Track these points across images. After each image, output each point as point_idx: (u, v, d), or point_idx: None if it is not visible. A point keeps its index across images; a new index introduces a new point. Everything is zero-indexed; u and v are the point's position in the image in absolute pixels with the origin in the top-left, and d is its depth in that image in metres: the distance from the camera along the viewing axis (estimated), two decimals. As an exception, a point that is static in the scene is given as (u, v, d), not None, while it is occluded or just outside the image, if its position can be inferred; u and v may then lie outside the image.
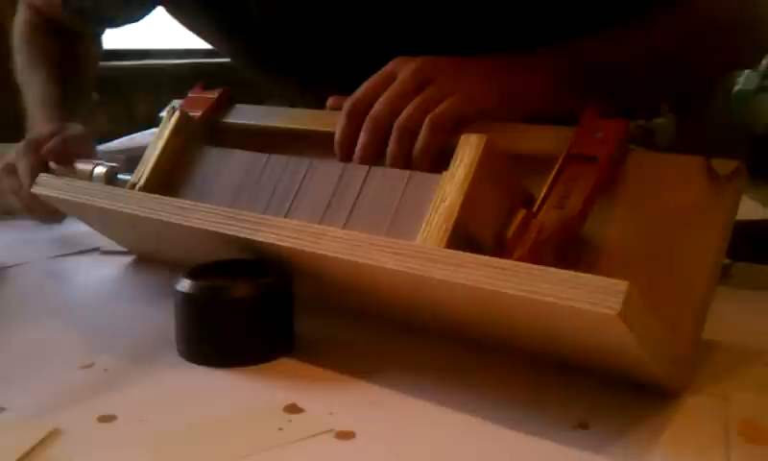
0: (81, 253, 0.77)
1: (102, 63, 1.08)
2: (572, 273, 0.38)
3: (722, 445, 0.39)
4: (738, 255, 0.65)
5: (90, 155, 0.78)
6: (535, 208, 0.49)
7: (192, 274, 0.51)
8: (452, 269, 0.41)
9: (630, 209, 0.50)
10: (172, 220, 0.55)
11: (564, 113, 0.57)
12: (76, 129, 0.81)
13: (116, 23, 0.99)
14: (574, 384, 0.46)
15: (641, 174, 0.50)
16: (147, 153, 0.67)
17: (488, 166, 0.48)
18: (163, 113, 0.70)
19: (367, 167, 0.56)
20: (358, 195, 0.54)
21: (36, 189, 0.67)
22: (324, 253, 0.46)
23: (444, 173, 0.49)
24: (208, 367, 0.49)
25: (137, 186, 0.65)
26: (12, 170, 0.79)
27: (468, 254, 0.42)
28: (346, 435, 0.40)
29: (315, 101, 0.68)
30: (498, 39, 0.63)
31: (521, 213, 0.48)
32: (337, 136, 0.59)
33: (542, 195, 0.49)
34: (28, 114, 0.89)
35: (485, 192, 0.48)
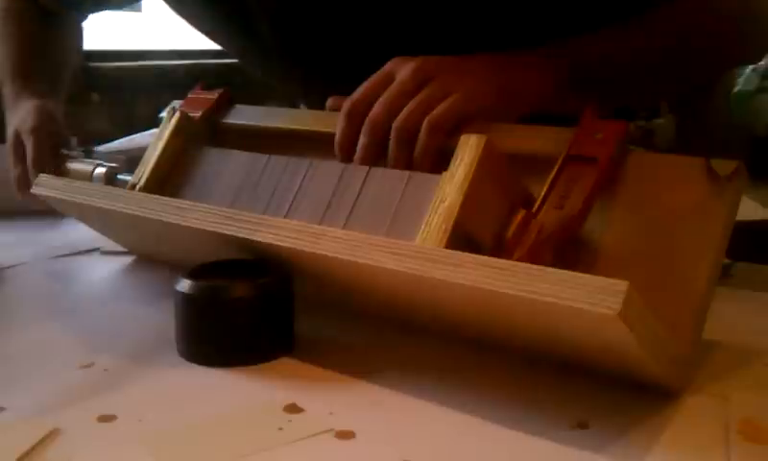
0: (81, 253, 0.77)
1: (102, 64, 1.08)
2: (572, 273, 0.38)
3: (722, 444, 0.39)
4: (738, 255, 0.65)
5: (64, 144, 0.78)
6: (534, 209, 0.49)
7: (192, 274, 0.51)
8: (451, 269, 0.41)
9: (630, 210, 0.50)
10: (171, 220, 0.55)
11: (564, 112, 0.57)
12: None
13: (97, 8, 0.98)
14: (574, 384, 0.46)
15: (641, 174, 0.50)
16: (147, 153, 0.67)
17: (487, 167, 0.48)
18: (163, 114, 0.70)
19: (367, 168, 0.56)
20: (358, 195, 0.55)
21: (35, 189, 0.67)
22: (323, 253, 0.47)
23: (444, 173, 0.49)
24: (208, 367, 0.49)
25: (137, 187, 0.65)
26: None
27: (467, 254, 0.42)
28: (346, 435, 0.40)
29: (318, 100, 0.67)
30: (498, 37, 0.63)
31: (521, 214, 0.48)
32: (337, 138, 0.59)
33: (542, 195, 0.49)
34: (5, 92, 0.88)
35: (484, 192, 0.48)
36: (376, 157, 0.57)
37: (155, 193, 0.61)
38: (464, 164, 0.48)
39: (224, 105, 0.71)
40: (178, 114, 0.67)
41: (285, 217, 0.57)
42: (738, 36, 0.69)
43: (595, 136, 0.50)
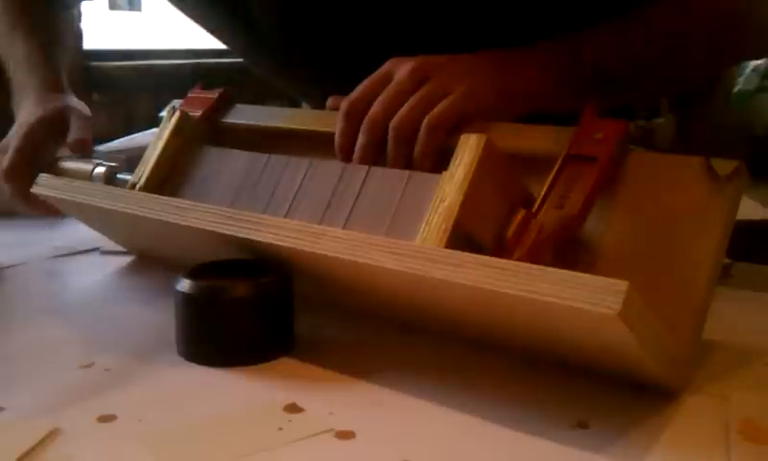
0: (81, 253, 0.77)
1: (102, 64, 1.07)
2: (572, 273, 0.38)
3: (722, 444, 0.39)
4: (738, 255, 0.65)
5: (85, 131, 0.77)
6: (534, 208, 0.49)
7: (192, 274, 0.51)
8: (451, 269, 0.41)
9: (630, 209, 0.50)
10: (171, 220, 0.55)
11: (564, 110, 0.57)
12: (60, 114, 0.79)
13: None
14: (574, 384, 0.46)
15: (641, 174, 0.50)
16: (147, 153, 0.67)
17: (487, 166, 0.48)
18: (163, 113, 0.70)
19: (366, 167, 0.56)
20: (358, 195, 0.54)
21: (35, 189, 0.67)
22: (323, 253, 0.47)
23: (444, 173, 0.49)
24: (208, 367, 0.49)
25: (137, 186, 0.65)
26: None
27: (467, 253, 0.42)
28: (346, 435, 0.40)
29: (321, 100, 0.67)
30: (499, 34, 0.62)
31: (521, 213, 0.48)
32: (336, 138, 0.59)
33: (542, 195, 0.49)
34: (13, 82, 0.87)
35: (484, 192, 0.48)
36: (375, 156, 0.57)
37: (154, 193, 0.61)
38: (464, 164, 0.48)
39: (224, 104, 0.71)
40: (178, 114, 0.67)
41: (285, 217, 0.57)
42: (739, 33, 0.69)
43: (595, 136, 0.50)
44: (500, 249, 0.47)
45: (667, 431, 0.41)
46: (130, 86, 1.98)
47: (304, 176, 0.58)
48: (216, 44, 0.91)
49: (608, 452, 0.39)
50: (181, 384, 0.47)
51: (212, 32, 0.86)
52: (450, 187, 0.48)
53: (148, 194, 0.61)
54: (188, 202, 0.55)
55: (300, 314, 0.52)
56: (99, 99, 1.90)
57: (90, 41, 1.88)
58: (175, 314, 0.50)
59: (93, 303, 0.63)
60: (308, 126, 0.65)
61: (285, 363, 0.50)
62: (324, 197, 0.56)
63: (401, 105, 0.57)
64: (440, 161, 0.53)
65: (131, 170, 0.68)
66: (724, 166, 0.47)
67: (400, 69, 0.59)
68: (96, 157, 0.76)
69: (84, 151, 0.76)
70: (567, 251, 0.48)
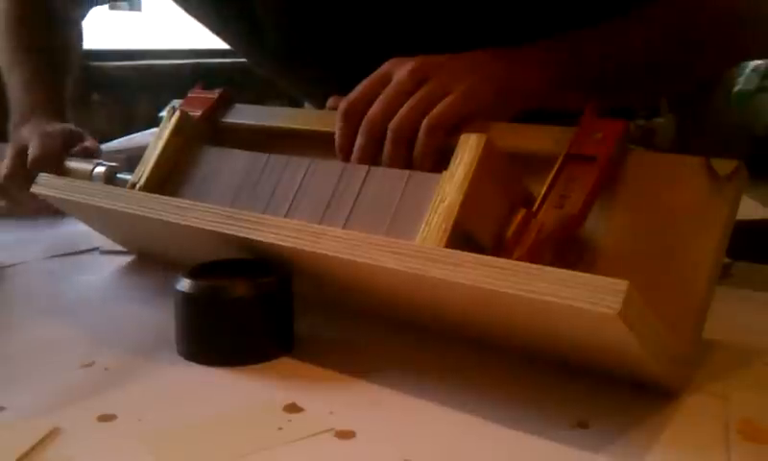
0: (81, 253, 0.77)
1: (102, 64, 1.08)
2: (571, 272, 0.38)
3: (722, 444, 0.39)
4: (738, 255, 0.65)
5: (88, 150, 0.78)
6: (534, 208, 0.49)
7: (192, 274, 0.51)
8: (451, 268, 0.41)
9: (630, 209, 0.50)
10: (171, 220, 0.55)
11: (564, 108, 0.57)
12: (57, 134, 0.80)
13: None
14: (574, 384, 0.46)
15: (641, 174, 0.50)
16: (147, 152, 0.67)
17: (487, 166, 0.48)
18: (163, 113, 0.70)
19: (367, 167, 0.56)
20: (358, 195, 0.55)
21: (36, 189, 0.67)
22: (323, 252, 0.47)
23: (444, 173, 0.49)
24: (208, 366, 0.49)
25: (137, 186, 0.65)
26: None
27: (466, 253, 0.42)
28: (346, 435, 0.40)
29: (323, 100, 0.67)
30: (499, 32, 0.62)
31: (521, 213, 0.48)
32: (336, 139, 0.59)
33: (542, 195, 0.49)
34: (12, 103, 0.88)
35: (484, 192, 0.48)
36: (374, 156, 0.57)
37: (155, 192, 0.61)
38: (463, 163, 0.48)
39: (224, 104, 0.71)
40: (178, 113, 0.67)
41: (285, 216, 0.57)
42: (739, 32, 0.69)
43: (595, 136, 0.50)
44: (500, 248, 0.47)
45: (667, 431, 0.41)
46: (130, 86, 1.98)
47: (304, 175, 0.58)
48: (216, 44, 0.91)
49: (608, 452, 0.39)
50: (181, 384, 0.47)
51: (216, 32, 0.86)
52: (450, 187, 0.48)
53: (148, 194, 0.61)
54: (188, 201, 0.55)
55: (299, 314, 0.52)
56: (99, 99, 1.90)
57: (90, 41, 1.88)
58: (175, 314, 0.50)
59: (93, 303, 0.63)
60: (308, 126, 0.65)
61: (285, 363, 0.50)
62: (324, 197, 0.56)
63: (400, 105, 0.57)
64: (440, 161, 0.53)
65: (131, 170, 0.68)
66: (724, 166, 0.47)
67: (400, 69, 0.58)
68: (96, 157, 0.76)
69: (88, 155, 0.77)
70: (567, 250, 0.48)
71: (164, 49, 2.18)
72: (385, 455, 0.39)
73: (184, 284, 0.50)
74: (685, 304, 0.46)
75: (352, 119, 0.58)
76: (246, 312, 0.49)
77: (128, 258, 0.74)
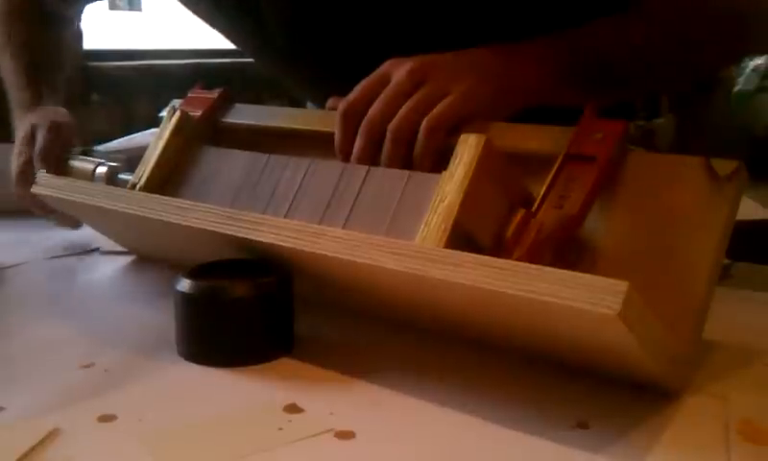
0: (81, 253, 0.77)
1: (102, 64, 1.07)
2: (571, 273, 0.38)
3: (722, 444, 0.39)
4: (738, 255, 0.65)
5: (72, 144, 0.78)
6: (534, 208, 0.49)
7: (192, 274, 0.51)
8: (451, 269, 0.41)
9: (629, 209, 0.50)
10: (172, 220, 0.55)
11: (563, 104, 0.57)
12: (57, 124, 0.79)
13: None
14: (574, 384, 0.46)
15: (641, 174, 0.50)
16: (147, 153, 0.67)
17: (487, 166, 0.48)
18: (163, 113, 0.70)
19: (366, 167, 0.56)
20: (358, 195, 0.55)
21: (36, 189, 0.67)
22: (323, 252, 0.47)
23: (444, 173, 0.49)
24: (208, 367, 0.49)
25: (138, 186, 0.65)
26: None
27: (466, 253, 0.42)
28: (346, 435, 0.40)
29: (326, 99, 0.67)
30: (501, 29, 0.62)
31: (520, 213, 0.48)
32: (336, 140, 0.59)
33: (541, 195, 0.49)
34: (11, 97, 0.87)
35: (484, 192, 0.48)
36: (374, 157, 0.57)
37: (155, 193, 0.61)
38: (463, 164, 0.48)
39: (224, 104, 0.71)
40: (178, 113, 0.67)
41: (285, 217, 0.57)
42: (740, 28, 0.69)
43: (595, 136, 0.50)
44: (500, 249, 0.47)
45: (667, 431, 0.41)
46: (130, 86, 1.98)
47: (304, 176, 0.58)
48: (216, 44, 0.91)
49: (608, 452, 0.39)
50: (182, 384, 0.47)
51: (220, 30, 0.86)
52: (450, 187, 0.48)
53: (148, 194, 0.61)
54: (188, 202, 0.55)
55: (300, 314, 0.52)
56: (99, 99, 1.90)
57: (90, 41, 1.88)
58: (175, 314, 0.50)
59: (93, 304, 0.63)
60: (308, 126, 0.65)
61: (285, 363, 0.50)
62: (323, 197, 0.56)
63: (400, 106, 0.57)
64: (439, 161, 0.53)
65: (131, 170, 0.68)
66: (724, 166, 0.47)
67: (398, 70, 0.58)
68: (97, 158, 0.76)
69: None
70: (567, 251, 0.48)
71: (164, 49, 2.18)
72: (385, 455, 0.39)
73: (184, 285, 0.50)
74: (685, 305, 0.46)
75: (352, 120, 0.58)
76: (246, 312, 0.49)
77: (128, 259, 0.74)
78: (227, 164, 0.64)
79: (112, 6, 2.35)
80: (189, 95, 0.72)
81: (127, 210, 0.58)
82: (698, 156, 0.49)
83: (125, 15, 2.40)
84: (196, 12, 0.84)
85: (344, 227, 0.53)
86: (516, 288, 0.39)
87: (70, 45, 0.98)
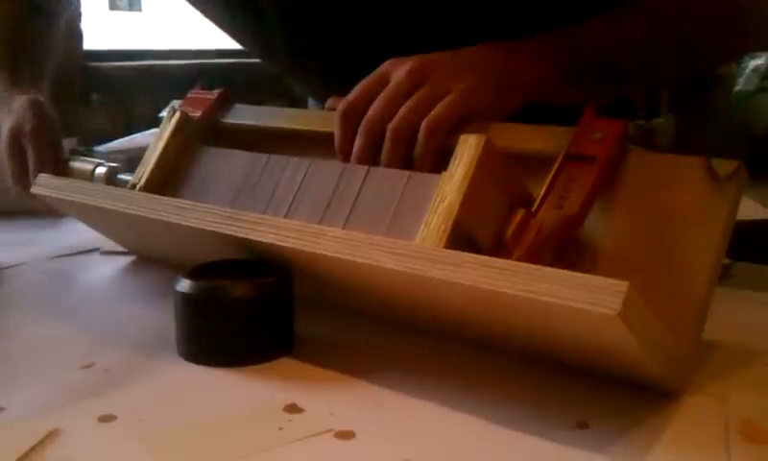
0: (81, 253, 0.77)
1: (102, 64, 1.07)
2: (571, 273, 0.38)
3: (722, 444, 0.39)
4: (738, 255, 0.65)
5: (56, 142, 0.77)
6: (534, 208, 0.49)
7: (192, 274, 0.51)
8: (451, 269, 0.41)
9: (629, 209, 0.50)
10: (172, 220, 0.55)
11: (563, 101, 0.57)
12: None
13: None
14: (574, 384, 0.46)
15: (641, 174, 0.50)
16: (147, 153, 0.67)
17: (487, 166, 0.48)
18: (163, 114, 0.70)
19: (366, 167, 0.56)
20: (358, 195, 0.55)
21: (35, 189, 0.67)
22: (323, 252, 0.47)
23: (444, 173, 0.49)
24: (208, 367, 0.49)
25: (138, 187, 0.65)
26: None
27: (466, 253, 0.42)
28: (346, 435, 0.40)
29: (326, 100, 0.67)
30: (499, 23, 0.62)
31: (520, 213, 0.48)
32: (336, 140, 0.59)
33: (541, 195, 0.49)
34: None
35: (484, 192, 0.48)
36: (373, 157, 0.57)
37: (155, 193, 0.61)
38: (463, 164, 0.48)
39: (223, 104, 0.71)
40: (178, 114, 0.67)
41: (285, 217, 0.57)
42: (740, 23, 0.68)
43: (594, 136, 0.50)
44: (499, 249, 0.47)
45: (667, 431, 0.41)
46: (130, 86, 1.98)
47: (304, 176, 0.58)
48: (216, 44, 0.91)
49: (608, 452, 0.39)
50: (181, 384, 0.47)
51: (223, 27, 0.86)
52: (450, 187, 0.48)
53: (148, 194, 0.61)
54: (188, 202, 0.55)
55: (300, 314, 0.52)
56: (99, 99, 1.90)
57: (90, 41, 1.89)
58: (175, 314, 0.50)
59: (93, 303, 0.63)
60: (308, 126, 0.65)
61: (285, 363, 0.50)
62: (323, 197, 0.56)
63: (399, 106, 0.57)
64: (439, 161, 0.53)
65: (131, 170, 0.68)
66: (724, 166, 0.47)
67: (398, 70, 0.58)
68: (97, 158, 0.76)
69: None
70: (567, 251, 0.48)
71: (164, 49, 2.19)
72: (385, 456, 0.39)
73: (184, 285, 0.50)
74: (685, 305, 0.46)
75: (351, 120, 0.58)
76: (246, 312, 0.49)
77: (128, 259, 0.74)
78: (226, 164, 0.64)
79: (112, 6, 2.35)
80: (189, 95, 0.72)
81: (127, 211, 0.58)
82: (698, 155, 0.49)
83: (125, 15, 2.40)
84: (204, 11, 0.84)
85: (344, 227, 0.53)
86: (516, 288, 0.39)
87: (55, 41, 0.97)
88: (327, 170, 0.57)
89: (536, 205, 0.49)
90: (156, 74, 2.03)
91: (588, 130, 0.50)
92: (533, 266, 0.39)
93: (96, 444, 0.40)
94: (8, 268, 0.72)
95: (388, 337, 0.54)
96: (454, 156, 0.49)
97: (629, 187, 0.50)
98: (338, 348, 0.53)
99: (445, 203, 0.48)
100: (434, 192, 0.49)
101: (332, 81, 0.69)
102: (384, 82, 0.59)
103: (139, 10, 2.47)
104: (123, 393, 0.46)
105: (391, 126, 0.56)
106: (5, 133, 0.80)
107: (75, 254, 0.76)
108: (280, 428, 0.41)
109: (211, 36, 0.88)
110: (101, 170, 0.72)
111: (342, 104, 0.59)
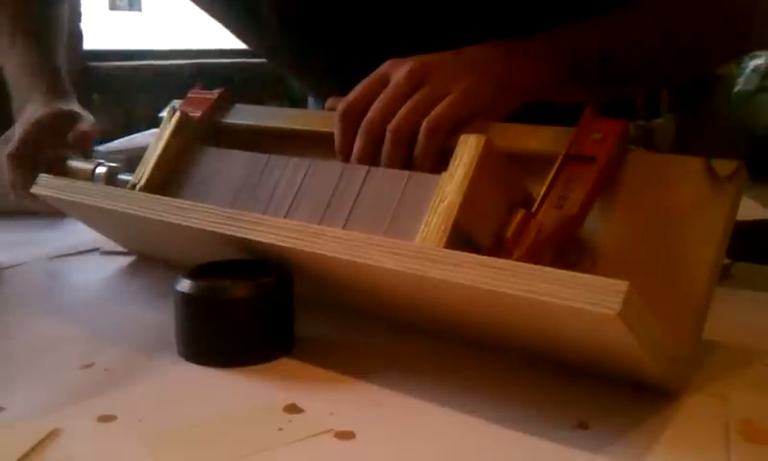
0: (81, 253, 0.77)
1: (102, 64, 1.07)
2: (571, 273, 0.38)
3: (722, 444, 0.39)
4: (738, 255, 0.65)
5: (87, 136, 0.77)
6: (534, 208, 0.49)
7: (192, 274, 0.51)
8: (451, 269, 0.41)
9: (629, 209, 0.50)
10: (172, 220, 0.55)
11: (563, 100, 0.57)
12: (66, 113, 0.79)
13: None
14: (574, 384, 0.46)
15: (641, 174, 0.50)
16: (147, 153, 0.67)
17: (487, 166, 0.48)
18: (163, 113, 0.70)
19: (366, 167, 0.56)
20: (358, 195, 0.55)
21: (36, 189, 0.67)
22: (323, 253, 0.47)
23: (444, 173, 0.49)
24: (208, 367, 0.49)
25: (138, 187, 0.65)
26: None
27: (466, 253, 0.42)
28: (346, 435, 0.40)
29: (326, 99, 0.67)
30: (500, 23, 0.62)
31: (520, 213, 0.48)
32: (336, 141, 0.59)
33: (541, 195, 0.49)
34: (14, 86, 0.86)
35: (484, 192, 0.48)
36: (373, 158, 0.57)
37: (155, 193, 0.61)
38: (463, 164, 0.48)
39: (224, 104, 0.71)
40: (178, 114, 0.67)
41: (285, 217, 0.57)
42: (741, 22, 0.68)
43: (594, 136, 0.50)
44: (499, 249, 0.47)
45: (667, 431, 0.41)
46: (130, 87, 1.98)
47: (304, 176, 0.58)
48: (216, 44, 0.91)
49: (608, 452, 0.39)
50: (181, 384, 0.47)
51: (225, 25, 0.86)
52: (450, 187, 0.48)
53: (148, 194, 0.61)
54: (188, 202, 0.55)
55: (300, 314, 0.52)
56: (99, 99, 1.90)
57: (90, 41, 1.89)
58: (175, 314, 0.50)
59: (93, 303, 0.63)
60: (308, 126, 0.65)
61: (285, 363, 0.50)
62: (323, 197, 0.56)
63: (399, 107, 0.57)
64: (439, 162, 0.53)
65: (131, 170, 0.68)
66: (724, 166, 0.47)
67: (398, 70, 0.58)
68: (97, 158, 0.76)
69: (84, 144, 0.76)
70: (567, 251, 0.48)
71: (164, 49, 2.19)
72: (385, 456, 0.39)
73: (184, 285, 0.50)
74: (685, 305, 0.46)
75: (351, 121, 0.58)
76: (246, 313, 0.49)
77: (128, 259, 0.74)
78: (226, 165, 0.64)
79: (112, 6, 2.35)
80: (189, 95, 0.72)
81: (127, 211, 0.58)
82: (698, 156, 0.49)
83: (125, 15, 2.40)
84: (210, 11, 0.84)
85: (344, 227, 0.53)
86: (516, 288, 0.39)
87: (64, 23, 0.97)
88: (327, 170, 0.57)
89: (536, 205, 0.49)
90: (156, 74, 2.03)
91: (588, 130, 0.50)
92: (533, 266, 0.39)
93: (96, 444, 0.40)
94: (8, 268, 0.72)
95: (388, 337, 0.54)
96: (454, 156, 0.49)
97: (629, 187, 0.50)
98: (338, 348, 0.53)
99: (445, 203, 0.48)
100: (434, 192, 0.49)
101: (335, 80, 0.69)
102: (384, 82, 0.59)
103: (139, 10, 2.47)
104: (123, 393, 0.46)
105: (391, 126, 0.56)
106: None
107: (75, 254, 0.76)
108: (280, 429, 0.41)
109: (212, 36, 0.88)
110: (101, 170, 0.72)
111: (342, 104, 0.59)
